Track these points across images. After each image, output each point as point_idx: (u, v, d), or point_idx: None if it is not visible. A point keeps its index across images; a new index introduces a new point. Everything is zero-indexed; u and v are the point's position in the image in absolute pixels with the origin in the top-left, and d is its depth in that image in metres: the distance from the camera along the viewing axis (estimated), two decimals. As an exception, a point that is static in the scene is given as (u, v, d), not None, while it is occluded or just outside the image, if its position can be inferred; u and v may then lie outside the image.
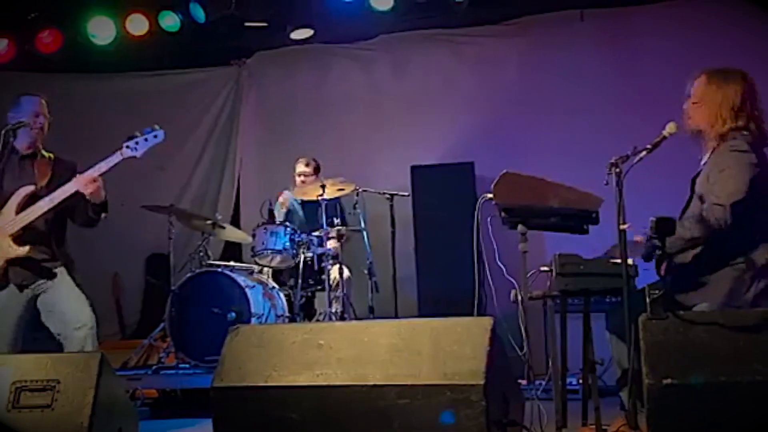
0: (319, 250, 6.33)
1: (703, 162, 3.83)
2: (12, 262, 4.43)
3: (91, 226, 4.64)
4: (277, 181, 7.48)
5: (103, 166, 4.45)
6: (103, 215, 4.60)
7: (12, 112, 4.58)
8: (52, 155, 4.70)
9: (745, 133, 3.66)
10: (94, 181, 4.41)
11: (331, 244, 6.42)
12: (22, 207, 4.46)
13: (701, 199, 3.70)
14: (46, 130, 4.65)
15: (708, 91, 3.76)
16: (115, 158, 4.49)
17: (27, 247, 4.43)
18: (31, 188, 4.50)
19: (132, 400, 5.21)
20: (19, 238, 4.43)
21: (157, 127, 4.56)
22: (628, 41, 7.38)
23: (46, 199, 4.44)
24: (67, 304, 4.50)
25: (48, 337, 4.55)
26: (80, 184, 4.41)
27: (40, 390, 3.61)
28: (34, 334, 4.60)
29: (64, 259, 4.58)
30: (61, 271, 4.54)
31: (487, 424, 3.00)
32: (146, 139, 4.52)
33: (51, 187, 4.51)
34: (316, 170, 6.90)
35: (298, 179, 6.88)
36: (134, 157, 4.52)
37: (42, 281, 4.51)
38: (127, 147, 4.50)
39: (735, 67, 3.80)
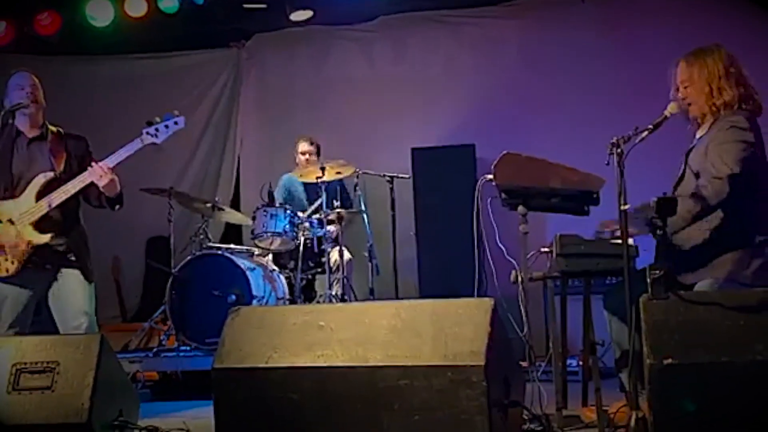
0: (319, 233, 6.32)
1: (698, 136, 3.83)
2: (35, 249, 4.35)
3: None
4: (277, 163, 7.47)
5: (122, 153, 4.35)
6: (117, 207, 4.52)
7: (5, 98, 4.47)
8: (61, 130, 4.59)
9: (744, 107, 3.68)
10: (108, 172, 4.29)
11: (331, 227, 6.40)
12: (42, 194, 4.36)
13: (697, 175, 3.70)
14: (41, 100, 4.50)
15: (692, 72, 3.79)
16: (135, 145, 4.38)
17: (49, 235, 4.35)
18: (50, 175, 4.39)
19: (133, 383, 5.21)
20: (39, 225, 4.35)
21: (176, 113, 4.45)
22: (629, 23, 7.33)
23: (63, 188, 4.34)
24: (73, 298, 4.42)
25: (48, 318, 4.53)
26: (95, 175, 4.31)
27: (40, 372, 3.62)
28: (34, 317, 4.58)
29: (77, 246, 4.48)
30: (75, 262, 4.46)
31: (488, 405, 3.00)
32: (167, 126, 4.41)
33: (69, 171, 4.41)
34: (319, 150, 6.87)
35: (301, 158, 6.82)
36: (155, 143, 4.41)
37: (58, 270, 4.43)
38: (147, 133, 4.39)
39: (707, 45, 3.85)
